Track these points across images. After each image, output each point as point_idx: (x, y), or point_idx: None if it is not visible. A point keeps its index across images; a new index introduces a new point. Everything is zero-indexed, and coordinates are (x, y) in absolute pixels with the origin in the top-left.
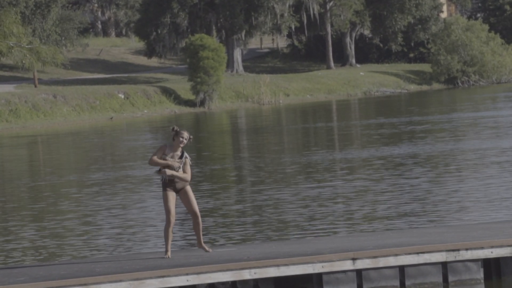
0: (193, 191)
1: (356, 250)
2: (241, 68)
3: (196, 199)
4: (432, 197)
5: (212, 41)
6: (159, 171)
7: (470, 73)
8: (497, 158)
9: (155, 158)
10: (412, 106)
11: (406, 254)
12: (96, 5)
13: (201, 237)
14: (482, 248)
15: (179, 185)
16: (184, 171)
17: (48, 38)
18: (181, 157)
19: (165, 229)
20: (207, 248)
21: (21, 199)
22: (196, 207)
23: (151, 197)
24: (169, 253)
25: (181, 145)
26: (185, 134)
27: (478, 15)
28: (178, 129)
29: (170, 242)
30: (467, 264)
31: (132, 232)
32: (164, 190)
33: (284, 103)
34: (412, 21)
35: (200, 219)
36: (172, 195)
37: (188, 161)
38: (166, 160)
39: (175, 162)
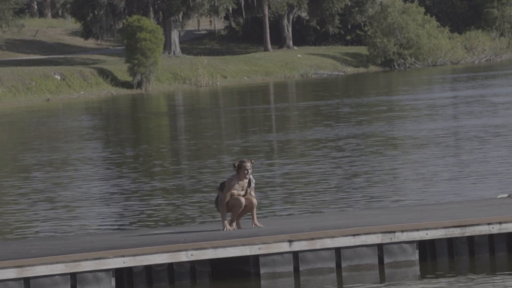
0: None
1: (292, 232)
2: (178, 49)
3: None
4: (368, 179)
5: (149, 22)
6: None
7: (406, 56)
8: (432, 140)
9: (222, 208)
10: (349, 88)
11: (342, 236)
12: None
13: (255, 215)
14: (417, 230)
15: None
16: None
17: None
18: (248, 184)
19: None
20: (258, 224)
21: None
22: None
23: (88, 177)
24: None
25: (248, 176)
26: (248, 165)
27: None
28: (239, 163)
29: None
30: (403, 246)
31: (69, 213)
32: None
33: (221, 85)
34: (349, 4)
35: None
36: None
37: (253, 184)
38: (236, 195)
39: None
